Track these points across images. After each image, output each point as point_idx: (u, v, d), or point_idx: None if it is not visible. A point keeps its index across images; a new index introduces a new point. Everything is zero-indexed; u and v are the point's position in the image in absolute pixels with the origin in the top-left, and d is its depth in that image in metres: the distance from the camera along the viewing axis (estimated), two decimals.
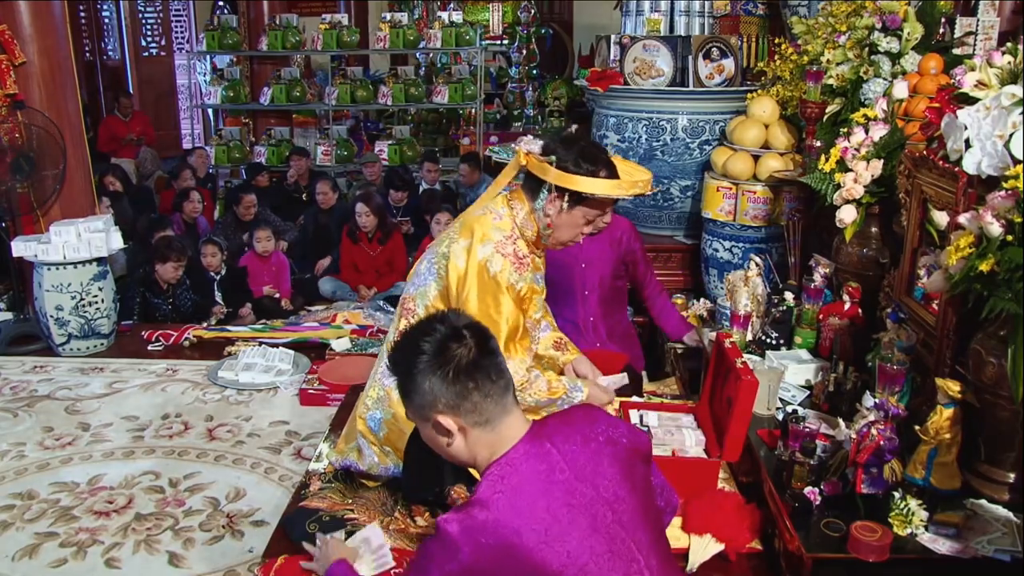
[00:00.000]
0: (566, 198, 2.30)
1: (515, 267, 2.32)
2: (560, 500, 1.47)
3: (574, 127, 7.64)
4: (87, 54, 10.18)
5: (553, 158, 2.28)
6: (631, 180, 2.36)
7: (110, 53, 10.72)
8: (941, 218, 2.41)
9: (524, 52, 9.37)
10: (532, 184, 2.37)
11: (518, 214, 2.38)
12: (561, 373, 2.69)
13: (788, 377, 2.77)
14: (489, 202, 2.44)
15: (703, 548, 2.19)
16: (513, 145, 2.41)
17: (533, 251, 2.41)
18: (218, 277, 5.00)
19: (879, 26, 3.20)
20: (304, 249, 6.08)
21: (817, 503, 2.10)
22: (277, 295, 5.17)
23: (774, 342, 3.02)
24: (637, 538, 1.52)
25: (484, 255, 2.29)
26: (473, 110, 8.45)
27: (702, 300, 3.80)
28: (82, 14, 9.99)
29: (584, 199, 2.32)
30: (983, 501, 2.08)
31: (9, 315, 4.32)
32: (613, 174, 2.33)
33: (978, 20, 3.03)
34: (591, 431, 1.59)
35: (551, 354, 2.70)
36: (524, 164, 2.36)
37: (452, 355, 1.50)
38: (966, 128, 2.05)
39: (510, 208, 2.39)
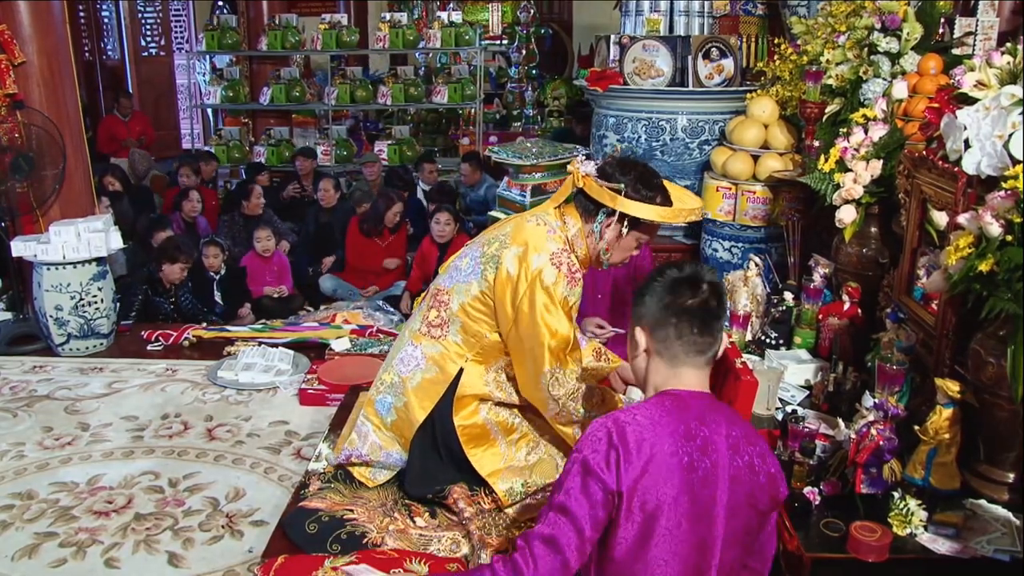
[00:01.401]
0: (625, 223, 2.32)
1: (567, 281, 2.32)
2: (695, 442, 1.56)
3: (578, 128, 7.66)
4: (86, 54, 10.18)
5: (621, 185, 2.29)
6: (687, 208, 2.40)
7: (109, 53, 10.72)
8: (940, 218, 2.41)
9: (523, 52, 9.36)
10: (587, 205, 2.38)
11: (569, 230, 2.38)
12: (603, 382, 2.68)
13: (788, 377, 2.77)
14: (541, 213, 2.44)
15: None
16: (568, 166, 2.42)
17: (581, 268, 2.42)
18: (217, 277, 5.01)
19: (878, 26, 3.20)
20: (306, 249, 6.09)
21: (816, 503, 2.10)
22: (278, 294, 5.19)
23: (774, 342, 3.02)
24: (712, 545, 1.56)
25: (539, 265, 2.29)
26: (472, 110, 8.45)
27: None
28: (81, 14, 9.99)
29: (640, 224, 2.34)
30: (982, 501, 2.08)
31: (8, 315, 4.32)
32: (667, 200, 2.35)
33: (977, 20, 3.04)
34: (752, 441, 1.64)
35: (593, 365, 2.67)
36: (581, 186, 2.36)
37: (681, 292, 1.64)
38: (965, 128, 2.05)
39: (563, 222, 2.39)
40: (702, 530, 1.55)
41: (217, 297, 4.94)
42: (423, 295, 2.66)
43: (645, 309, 1.68)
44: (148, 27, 10.97)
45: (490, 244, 2.41)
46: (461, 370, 2.44)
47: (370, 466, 2.62)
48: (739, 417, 1.72)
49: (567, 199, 2.44)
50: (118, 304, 4.29)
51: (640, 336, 1.69)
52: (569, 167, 2.41)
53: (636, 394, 2.62)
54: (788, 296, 3.23)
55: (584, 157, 2.43)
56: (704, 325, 1.63)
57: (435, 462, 2.52)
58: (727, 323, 1.63)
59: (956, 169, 2.12)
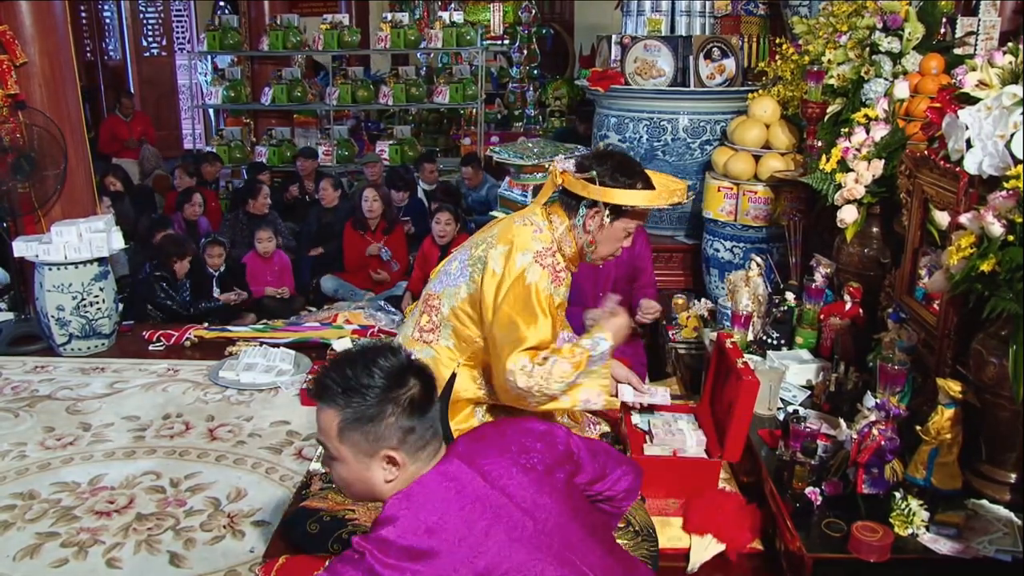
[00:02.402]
0: (606, 212, 2.32)
1: (551, 279, 2.31)
2: (473, 511, 1.43)
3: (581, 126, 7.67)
4: (88, 54, 10.19)
5: (593, 174, 2.29)
6: (669, 189, 2.37)
7: (111, 53, 10.74)
8: (942, 218, 2.41)
9: (525, 52, 9.37)
10: (569, 201, 2.38)
11: (557, 228, 2.38)
12: None
13: (789, 377, 2.77)
14: (528, 214, 2.44)
15: (704, 548, 2.19)
16: (547, 166, 2.42)
17: (568, 267, 2.41)
18: (216, 273, 5.02)
19: (880, 26, 3.20)
20: (308, 248, 6.09)
21: (818, 503, 2.10)
22: (279, 294, 5.20)
23: (775, 342, 3.02)
24: (567, 541, 1.50)
25: (523, 263, 2.28)
26: (474, 110, 8.46)
27: (703, 300, 3.80)
28: (83, 14, 10.00)
29: (624, 212, 2.33)
30: (984, 501, 2.08)
31: (10, 315, 4.32)
32: (649, 185, 2.35)
33: (979, 20, 3.04)
34: (503, 444, 1.57)
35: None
36: (560, 183, 2.37)
37: (409, 387, 1.46)
38: (967, 128, 2.05)
39: (549, 222, 2.40)
40: (556, 548, 1.47)
41: (216, 293, 4.95)
42: (416, 301, 2.66)
43: (387, 431, 1.44)
44: (149, 27, 10.99)
45: (477, 246, 2.41)
46: (454, 375, 2.44)
47: None
48: (479, 432, 1.67)
49: (552, 199, 2.45)
50: (120, 305, 4.30)
51: (400, 457, 1.46)
52: (549, 167, 2.42)
53: (628, 396, 2.60)
54: (789, 296, 3.23)
55: (563, 156, 2.43)
56: (434, 407, 1.50)
57: None
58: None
59: (958, 169, 2.12)
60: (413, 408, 1.46)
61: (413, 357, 1.54)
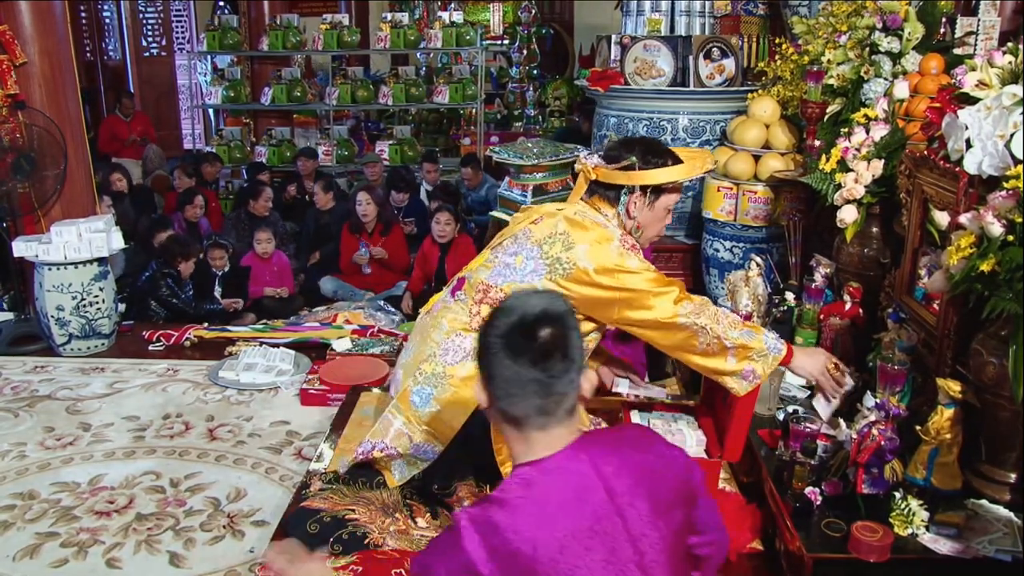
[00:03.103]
0: (648, 194, 2.36)
1: (640, 256, 2.35)
2: (584, 523, 1.39)
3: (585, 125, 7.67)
4: (88, 54, 10.19)
5: (632, 159, 2.34)
6: (700, 158, 2.43)
7: (111, 53, 10.73)
8: (942, 218, 2.40)
9: (525, 52, 9.38)
10: (607, 193, 2.42)
11: (611, 219, 2.42)
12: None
13: (789, 377, 2.76)
14: (580, 207, 2.45)
15: None
16: (576, 164, 2.47)
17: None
18: (220, 274, 5.03)
19: (880, 26, 3.20)
20: (307, 249, 6.09)
21: (818, 503, 2.10)
22: (278, 294, 5.20)
23: None
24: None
25: (616, 254, 2.29)
26: (474, 110, 8.47)
27: None
28: (83, 14, 10.00)
29: (663, 190, 2.38)
30: (984, 501, 2.08)
31: (10, 315, 4.32)
32: (678, 159, 2.40)
33: (979, 20, 3.03)
34: (642, 462, 1.49)
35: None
36: (594, 177, 2.40)
37: (531, 337, 1.38)
38: (967, 128, 2.05)
39: (600, 212, 2.43)
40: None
41: (217, 293, 4.96)
42: (452, 288, 2.59)
43: (482, 363, 1.43)
44: (149, 27, 10.99)
45: (551, 244, 2.34)
46: None
47: (394, 461, 2.56)
48: (623, 432, 1.62)
49: (587, 195, 2.47)
50: (120, 305, 4.30)
51: (479, 390, 1.45)
52: (577, 166, 2.47)
53: (623, 388, 2.62)
54: (789, 296, 3.23)
55: (587, 152, 2.46)
56: (551, 385, 1.38)
57: (453, 452, 2.49)
58: (579, 365, 1.40)
59: (957, 169, 2.12)
60: (515, 357, 1.38)
61: (557, 334, 1.40)
